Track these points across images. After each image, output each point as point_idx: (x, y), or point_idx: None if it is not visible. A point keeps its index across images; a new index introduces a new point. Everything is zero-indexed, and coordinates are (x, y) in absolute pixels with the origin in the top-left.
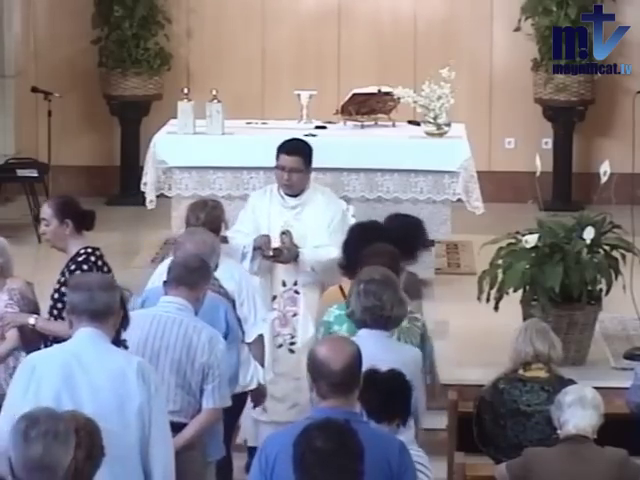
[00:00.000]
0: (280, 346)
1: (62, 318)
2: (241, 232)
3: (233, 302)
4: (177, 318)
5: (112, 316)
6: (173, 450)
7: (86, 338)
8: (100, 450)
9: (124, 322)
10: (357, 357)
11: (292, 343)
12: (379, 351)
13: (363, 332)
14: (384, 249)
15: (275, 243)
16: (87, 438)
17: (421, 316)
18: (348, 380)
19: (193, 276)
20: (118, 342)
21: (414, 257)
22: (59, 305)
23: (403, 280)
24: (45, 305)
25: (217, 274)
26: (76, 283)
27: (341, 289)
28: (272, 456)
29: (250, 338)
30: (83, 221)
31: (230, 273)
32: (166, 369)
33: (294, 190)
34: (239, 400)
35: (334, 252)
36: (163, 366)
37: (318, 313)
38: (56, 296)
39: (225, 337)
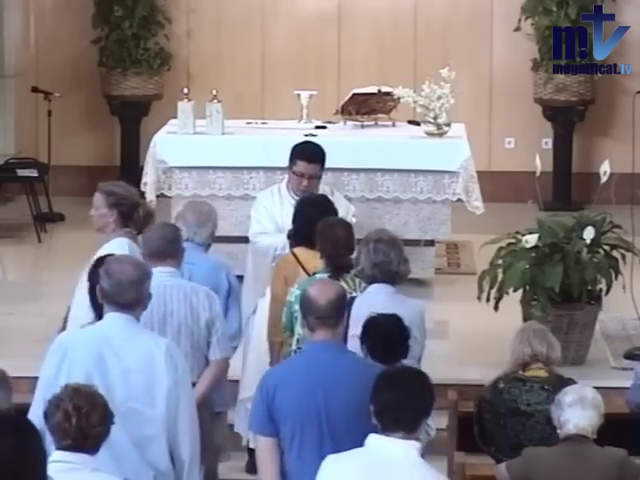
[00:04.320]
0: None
1: None
2: (264, 233)
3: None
4: (173, 284)
5: (140, 305)
6: (198, 429)
7: (115, 321)
8: (107, 415)
9: None
10: (341, 294)
11: None
12: (389, 304)
13: (373, 288)
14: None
15: None
16: (91, 407)
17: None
18: (332, 314)
19: (174, 246)
20: None
21: None
22: None
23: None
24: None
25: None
26: (108, 270)
27: (294, 255)
28: (272, 387)
29: None
30: None
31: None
32: (174, 333)
33: (310, 194)
34: None
35: None
36: (171, 330)
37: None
38: None
39: (228, 295)
